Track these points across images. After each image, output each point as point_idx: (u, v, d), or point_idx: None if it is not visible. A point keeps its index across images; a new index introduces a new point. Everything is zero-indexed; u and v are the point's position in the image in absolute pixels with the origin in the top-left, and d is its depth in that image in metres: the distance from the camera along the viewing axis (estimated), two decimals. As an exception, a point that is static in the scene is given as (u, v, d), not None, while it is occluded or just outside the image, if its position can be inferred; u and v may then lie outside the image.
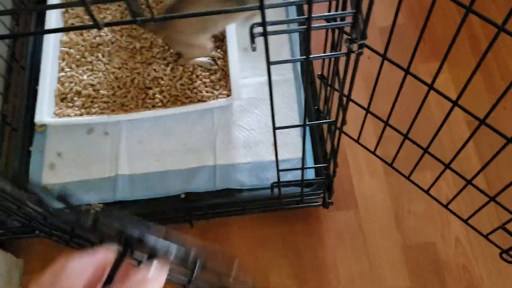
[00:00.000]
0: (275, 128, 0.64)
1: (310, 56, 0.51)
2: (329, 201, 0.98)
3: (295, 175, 0.92)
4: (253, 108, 1.06)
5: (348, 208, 1.06)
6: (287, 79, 1.08)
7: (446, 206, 0.92)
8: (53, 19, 1.12)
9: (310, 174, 0.98)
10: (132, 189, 1.01)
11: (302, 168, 0.80)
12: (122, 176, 1.01)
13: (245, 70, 1.09)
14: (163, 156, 1.03)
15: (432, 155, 0.81)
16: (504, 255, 0.86)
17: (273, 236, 1.05)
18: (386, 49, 0.71)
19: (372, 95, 0.80)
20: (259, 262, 1.02)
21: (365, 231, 1.04)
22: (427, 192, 0.93)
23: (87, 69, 1.11)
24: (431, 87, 0.69)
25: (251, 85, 1.08)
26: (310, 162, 0.98)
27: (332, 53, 0.73)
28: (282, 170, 0.80)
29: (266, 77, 0.55)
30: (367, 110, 0.86)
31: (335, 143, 0.77)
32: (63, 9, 1.16)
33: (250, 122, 1.05)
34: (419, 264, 1.01)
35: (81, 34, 1.14)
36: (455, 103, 0.69)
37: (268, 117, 1.02)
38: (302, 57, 0.53)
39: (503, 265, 0.98)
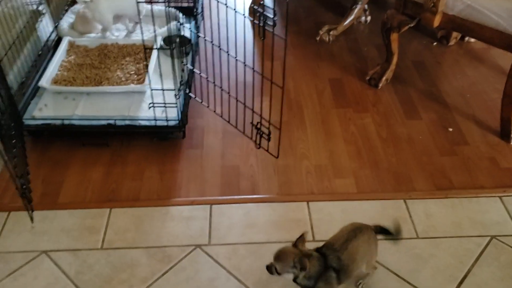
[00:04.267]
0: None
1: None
2: (184, 129, 1.85)
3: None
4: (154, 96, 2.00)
5: (197, 148, 1.91)
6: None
7: (239, 129, 1.78)
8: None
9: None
10: (81, 122, 1.87)
11: (162, 89, 1.71)
12: (76, 115, 1.89)
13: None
14: (104, 111, 1.92)
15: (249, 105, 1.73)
16: (256, 146, 1.70)
17: (152, 155, 1.87)
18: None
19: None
20: (142, 167, 1.83)
21: (203, 159, 1.87)
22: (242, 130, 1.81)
23: (71, 72, 2.08)
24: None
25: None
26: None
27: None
28: (154, 89, 1.71)
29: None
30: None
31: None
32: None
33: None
34: (229, 175, 1.81)
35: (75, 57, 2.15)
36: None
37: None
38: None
39: (270, 173, 1.80)
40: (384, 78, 2.18)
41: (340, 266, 1.26)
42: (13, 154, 1.53)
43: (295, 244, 1.26)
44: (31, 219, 1.57)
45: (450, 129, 1.99)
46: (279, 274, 1.23)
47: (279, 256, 1.24)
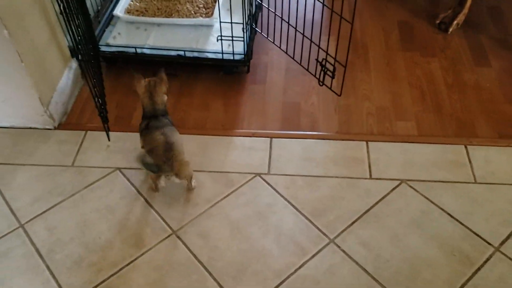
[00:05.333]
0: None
1: None
2: (249, 64, 1.89)
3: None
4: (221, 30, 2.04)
5: (261, 84, 1.97)
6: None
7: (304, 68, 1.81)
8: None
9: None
10: (152, 51, 1.96)
11: (231, 22, 1.75)
12: (148, 44, 1.98)
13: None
14: (174, 42, 1.99)
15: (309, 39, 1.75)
16: (319, 83, 1.73)
17: (218, 88, 1.95)
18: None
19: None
20: (208, 99, 1.91)
21: (266, 94, 1.92)
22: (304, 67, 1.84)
23: (143, 3, 2.15)
24: None
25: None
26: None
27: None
28: (223, 22, 1.75)
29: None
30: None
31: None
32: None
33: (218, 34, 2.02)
34: (289, 110, 1.86)
35: (146, -9, 2.21)
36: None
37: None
38: None
39: (331, 112, 1.83)
40: (455, 23, 2.11)
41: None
42: (92, 76, 1.63)
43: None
44: (108, 137, 1.70)
45: (521, 79, 1.93)
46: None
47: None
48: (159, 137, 1.46)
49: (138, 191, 1.59)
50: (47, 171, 1.65)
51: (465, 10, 2.09)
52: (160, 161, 1.42)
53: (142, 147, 1.54)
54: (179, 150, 1.46)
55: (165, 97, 1.57)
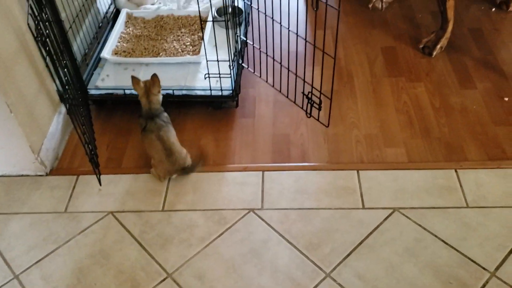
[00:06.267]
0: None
1: None
2: (237, 99, 1.91)
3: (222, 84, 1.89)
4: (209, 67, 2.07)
5: (249, 117, 1.98)
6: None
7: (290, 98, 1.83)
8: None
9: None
10: (140, 89, 1.98)
11: (217, 60, 1.78)
12: (136, 85, 2.00)
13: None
14: (162, 81, 2.00)
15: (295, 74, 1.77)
16: (307, 115, 1.74)
17: (207, 123, 1.96)
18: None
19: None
20: (198, 133, 1.93)
21: (255, 127, 1.94)
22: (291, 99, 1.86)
23: (130, 43, 2.18)
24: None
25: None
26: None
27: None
28: (210, 61, 1.78)
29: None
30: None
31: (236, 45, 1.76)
32: None
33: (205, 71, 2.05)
34: (279, 142, 1.87)
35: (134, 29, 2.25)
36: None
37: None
38: None
39: (320, 142, 1.85)
40: (438, 46, 2.14)
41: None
42: (81, 122, 1.65)
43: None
44: (99, 182, 1.71)
45: (506, 99, 1.95)
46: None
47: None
48: (156, 142, 1.66)
49: (131, 235, 1.59)
50: (41, 218, 1.65)
51: (447, 34, 2.12)
52: (170, 167, 1.67)
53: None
54: (178, 150, 1.68)
55: (160, 97, 1.75)
